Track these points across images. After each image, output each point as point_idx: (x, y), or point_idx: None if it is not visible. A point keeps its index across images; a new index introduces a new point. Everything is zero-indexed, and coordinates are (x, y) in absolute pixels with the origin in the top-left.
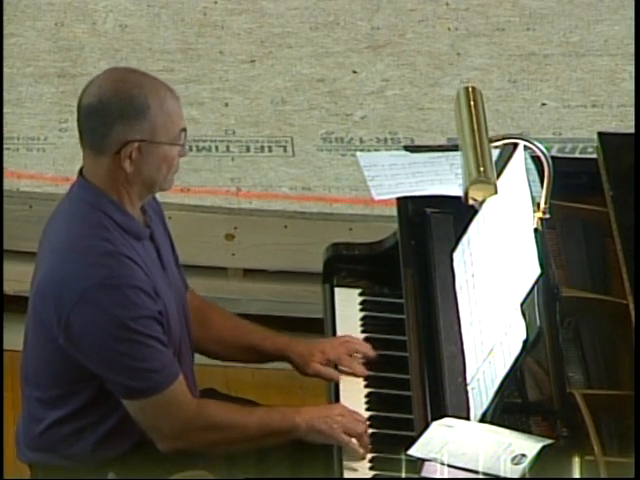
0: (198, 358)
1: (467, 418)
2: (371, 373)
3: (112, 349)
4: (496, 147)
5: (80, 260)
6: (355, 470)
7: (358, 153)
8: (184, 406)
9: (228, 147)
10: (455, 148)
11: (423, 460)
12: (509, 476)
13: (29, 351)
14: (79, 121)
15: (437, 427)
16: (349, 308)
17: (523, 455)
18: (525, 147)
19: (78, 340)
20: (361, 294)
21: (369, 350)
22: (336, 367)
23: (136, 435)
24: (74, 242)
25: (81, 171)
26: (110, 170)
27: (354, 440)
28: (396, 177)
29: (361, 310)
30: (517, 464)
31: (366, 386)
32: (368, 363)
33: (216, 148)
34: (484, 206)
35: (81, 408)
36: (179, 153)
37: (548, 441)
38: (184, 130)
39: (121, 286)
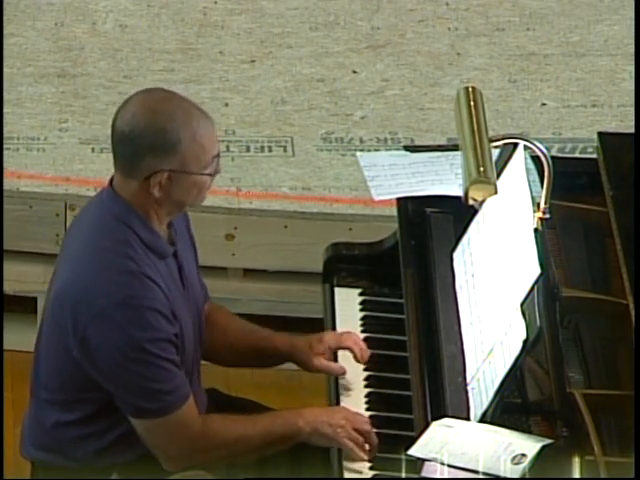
0: None
1: (467, 418)
2: (371, 373)
3: (126, 368)
4: (496, 147)
5: (102, 275)
6: (355, 470)
7: (358, 153)
8: (191, 427)
9: (228, 147)
10: (455, 148)
11: (423, 460)
12: (509, 476)
13: (42, 352)
14: (112, 141)
15: (437, 427)
16: (349, 308)
17: (523, 455)
18: (525, 147)
19: (93, 355)
20: (361, 294)
21: (365, 349)
22: (335, 359)
23: (140, 447)
24: (97, 255)
25: (112, 180)
26: (139, 192)
27: (358, 446)
28: (396, 177)
29: (361, 310)
30: (517, 464)
31: (366, 386)
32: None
33: None
34: (484, 206)
35: (88, 416)
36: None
37: (548, 441)
38: (217, 156)
39: (140, 307)
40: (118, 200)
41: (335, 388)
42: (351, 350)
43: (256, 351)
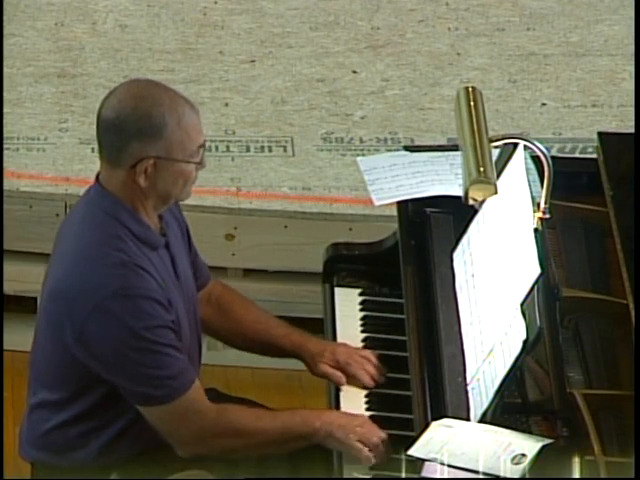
0: None
1: (467, 418)
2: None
3: (127, 358)
4: (496, 147)
5: (94, 270)
6: (355, 470)
7: (358, 158)
8: (202, 412)
9: (228, 147)
10: (455, 148)
11: (423, 460)
12: (509, 476)
13: (39, 352)
14: (97, 132)
15: (437, 427)
16: (349, 308)
17: (523, 455)
18: (525, 147)
19: (93, 350)
20: (361, 294)
21: (380, 368)
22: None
23: (142, 442)
24: (88, 250)
25: (98, 176)
26: (125, 182)
27: (367, 449)
28: (396, 178)
29: (361, 310)
30: (517, 464)
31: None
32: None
33: (216, 148)
34: (484, 206)
35: (87, 411)
36: (197, 167)
37: (548, 441)
38: (202, 146)
39: (135, 297)
40: (106, 194)
41: (335, 388)
42: (357, 377)
43: (268, 345)
